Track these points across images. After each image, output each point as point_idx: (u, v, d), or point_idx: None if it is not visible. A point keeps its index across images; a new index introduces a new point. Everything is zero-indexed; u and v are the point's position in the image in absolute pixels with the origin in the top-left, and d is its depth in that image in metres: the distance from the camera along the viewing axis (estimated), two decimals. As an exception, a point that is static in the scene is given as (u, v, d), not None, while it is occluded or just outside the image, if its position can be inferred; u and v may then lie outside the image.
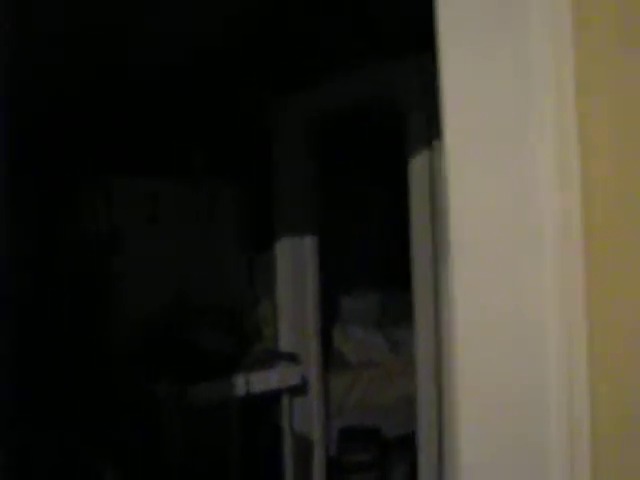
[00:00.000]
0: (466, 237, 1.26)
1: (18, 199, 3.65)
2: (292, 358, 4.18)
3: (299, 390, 4.23)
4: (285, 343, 4.39)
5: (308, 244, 4.32)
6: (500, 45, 1.20)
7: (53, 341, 3.90)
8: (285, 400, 4.14)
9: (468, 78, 1.24)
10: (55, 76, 3.78)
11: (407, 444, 4.46)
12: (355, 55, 3.56)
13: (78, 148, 3.96)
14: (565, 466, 1.16)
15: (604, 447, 1.14)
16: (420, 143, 3.29)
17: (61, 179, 3.95)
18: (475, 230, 1.25)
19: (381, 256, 6.42)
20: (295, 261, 4.35)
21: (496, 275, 1.23)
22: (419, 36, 3.22)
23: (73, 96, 3.90)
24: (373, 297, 6.24)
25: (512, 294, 1.21)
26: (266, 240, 4.39)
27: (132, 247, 3.92)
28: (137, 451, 3.52)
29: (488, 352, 1.22)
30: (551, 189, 1.16)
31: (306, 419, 4.34)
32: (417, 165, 3.34)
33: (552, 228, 1.16)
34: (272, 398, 4.09)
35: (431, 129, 3.23)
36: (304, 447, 4.24)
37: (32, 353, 3.69)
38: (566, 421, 1.16)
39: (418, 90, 3.28)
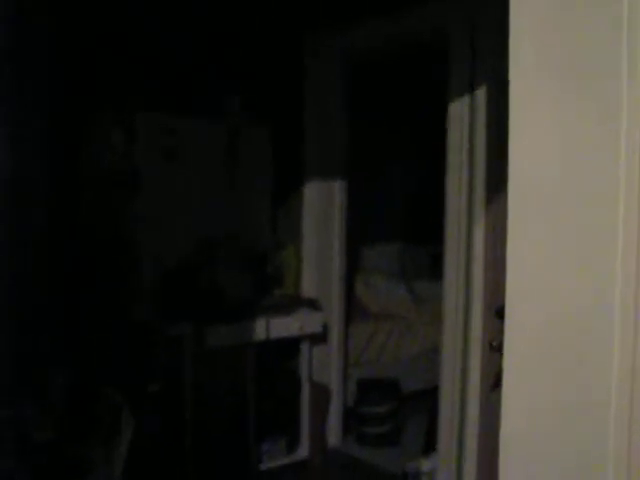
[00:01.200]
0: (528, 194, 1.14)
1: (36, 134, 3.57)
2: (313, 305, 4.09)
3: (319, 338, 4.16)
4: (307, 289, 4.30)
5: (336, 189, 4.21)
6: None
7: (73, 283, 3.83)
8: (304, 347, 4.07)
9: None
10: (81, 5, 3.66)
11: (426, 397, 4.41)
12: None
13: (100, 82, 3.83)
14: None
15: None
16: (462, 88, 3.15)
17: (79, 113, 3.83)
18: (537, 181, 1.13)
19: (406, 208, 6.33)
20: (322, 206, 4.25)
21: (562, 232, 1.10)
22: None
23: (98, 26, 3.77)
24: (396, 248, 6.16)
25: (577, 253, 1.08)
26: (293, 184, 4.28)
27: (153, 186, 3.80)
28: (154, 393, 3.46)
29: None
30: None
31: (325, 368, 4.28)
32: (456, 111, 3.20)
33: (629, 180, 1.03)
34: (291, 344, 4.02)
35: (474, 73, 3.08)
36: (322, 396, 4.18)
37: (52, 293, 3.63)
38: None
39: (465, 31, 3.12)
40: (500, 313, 2.77)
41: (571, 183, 1.07)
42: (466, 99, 3.14)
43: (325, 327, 4.14)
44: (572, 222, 1.08)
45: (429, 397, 4.24)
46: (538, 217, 1.13)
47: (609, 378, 1.04)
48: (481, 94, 3.05)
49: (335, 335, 4.28)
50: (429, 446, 3.69)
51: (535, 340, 1.16)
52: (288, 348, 4.04)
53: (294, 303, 4.07)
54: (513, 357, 1.21)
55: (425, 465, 3.53)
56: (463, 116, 3.16)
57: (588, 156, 1.05)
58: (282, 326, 3.84)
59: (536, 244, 1.14)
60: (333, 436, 4.35)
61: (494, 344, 2.72)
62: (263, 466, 3.89)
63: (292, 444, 4.06)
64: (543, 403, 1.15)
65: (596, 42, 1.04)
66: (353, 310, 4.89)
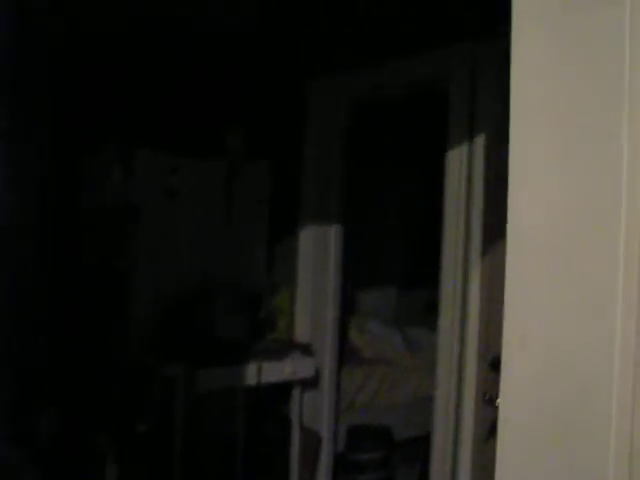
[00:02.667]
0: (525, 238, 1.13)
1: (33, 167, 3.56)
2: (306, 349, 4.05)
3: (311, 383, 4.11)
4: (300, 333, 4.26)
5: (333, 234, 4.19)
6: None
7: (64, 319, 3.80)
8: (296, 392, 4.02)
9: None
10: (85, 41, 3.68)
11: (417, 446, 4.35)
12: (401, 39, 3.43)
13: (101, 117, 3.84)
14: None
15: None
16: (460, 136, 3.15)
17: (79, 147, 3.83)
18: (536, 231, 1.12)
19: (400, 253, 6.32)
20: (317, 250, 4.22)
21: (560, 284, 1.08)
22: (471, 21, 3.12)
23: (101, 62, 3.79)
24: (390, 293, 6.13)
25: (576, 306, 1.06)
26: (289, 226, 4.26)
27: (151, 224, 3.79)
28: (143, 434, 3.41)
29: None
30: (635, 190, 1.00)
31: (316, 413, 4.22)
32: (455, 158, 3.20)
33: (630, 236, 1.01)
34: (283, 389, 3.97)
35: (474, 121, 3.09)
36: (312, 442, 4.12)
37: (43, 332, 3.59)
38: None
39: (464, 80, 3.13)
40: (494, 364, 2.75)
41: (571, 234, 1.06)
42: (464, 146, 3.15)
43: (317, 372, 4.09)
44: (571, 274, 1.06)
45: (421, 445, 4.19)
46: (536, 267, 1.11)
47: (607, 436, 1.02)
48: (480, 142, 3.05)
49: (327, 380, 4.23)
50: (420, 497, 3.64)
51: (531, 394, 1.14)
52: (279, 392, 3.99)
53: (286, 347, 4.03)
54: (508, 410, 1.19)
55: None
56: (461, 163, 3.16)
57: (589, 208, 1.04)
58: (274, 371, 3.80)
59: (534, 295, 1.12)
60: (323, 483, 4.28)
61: (487, 397, 2.69)
62: (251, 513, 3.82)
63: (281, 491, 4.00)
64: (540, 460, 1.12)
65: (598, 92, 1.03)
66: (346, 355, 4.84)
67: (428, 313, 5.59)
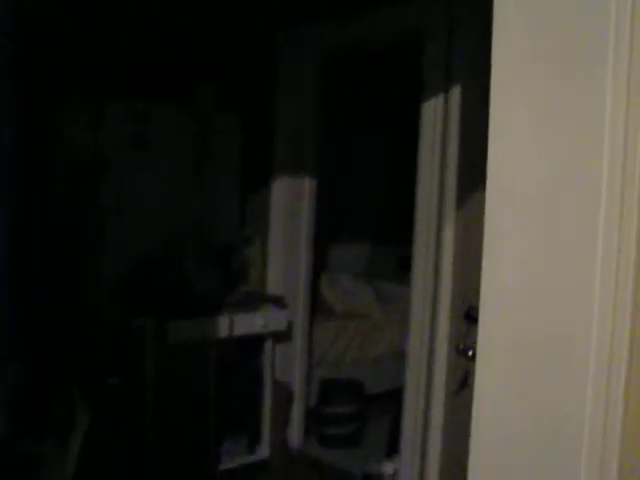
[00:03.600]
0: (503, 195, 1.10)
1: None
2: (278, 302, 4.03)
3: (283, 336, 4.09)
4: (272, 286, 4.24)
5: (306, 187, 4.16)
6: None
7: (32, 273, 3.74)
8: (268, 345, 4.00)
9: None
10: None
11: (389, 399, 4.38)
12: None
13: (70, 68, 3.74)
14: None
15: None
16: (436, 88, 3.11)
17: (45, 98, 3.73)
18: (515, 190, 1.08)
19: (375, 208, 6.31)
20: (290, 203, 4.19)
21: (541, 241, 1.06)
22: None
23: (68, 10, 3.68)
24: (362, 248, 6.14)
25: (556, 266, 1.04)
26: (262, 179, 4.21)
27: (120, 174, 3.72)
28: (114, 387, 3.38)
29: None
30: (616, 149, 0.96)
31: (288, 367, 4.22)
32: (430, 110, 3.16)
33: (607, 205, 0.97)
34: (255, 342, 3.95)
35: (449, 72, 3.05)
36: (284, 395, 4.12)
37: (9, 283, 3.53)
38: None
39: (440, 30, 3.08)
40: (468, 316, 2.74)
41: (552, 187, 1.03)
42: (440, 99, 3.11)
43: (289, 325, 4.08)
44: (552, 229, 1.03)
45: (393, 399, 4.21)
46: (516, 223, 1.08)
47: (583, 394, 1.00)
48: (455, 94, 3.01)
49: (299, 334, 4.22)
50: (392, 448, 3.66)
51: (508, 352, 1.12)
52: (251, 345, 3.97)
53: (259, 300, 4.00)
54: (485, 367, 1.17)
55: (387, 467, 3.49)
56: (436, 115, 3.12)
57: (572, 160, 1.01)
58: (246, 323, 3.78)
59: (513, 252, 1.10)
60: (294, 436, 4.29)
61: (461, 347, 2.69)
62: (223, 466, 3.82)
63: (253, 444, 4.00)
64: (515, 414, 1.11)
65: (584, 34, 1.00)
66: (318, 309, 4.84)
67: (400, 268, 5.60)
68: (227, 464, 3.85)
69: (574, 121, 1.00)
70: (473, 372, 2.69)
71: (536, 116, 1.04)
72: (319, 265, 5.08)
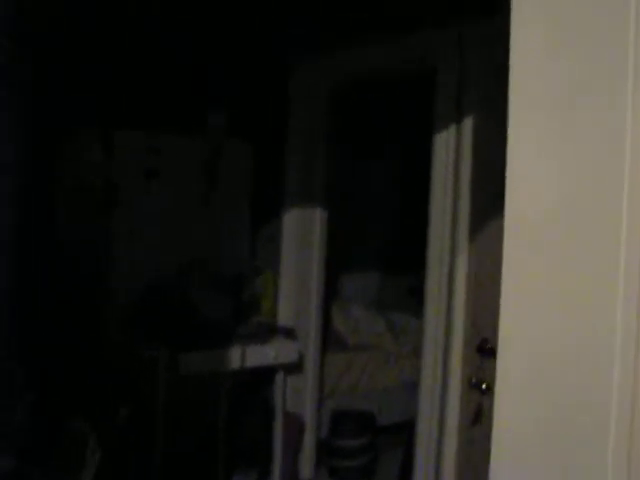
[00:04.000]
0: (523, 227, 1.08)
1: (10, 147, 3.48)
2: (289, 333, 4.01)
3: (294, 367, 4.07)
4: (283, 317, 4.22)
5: (317, 217, 4.15)
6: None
7: (42, 302, 3.74)
8: (279, 377, 3.97)
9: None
10: (67, 19, 3.60)
11: (401, 431, 4.34)
12: (387, 21, 3.38)
13: (83, 96, 3.77)
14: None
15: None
16: (448, 118, 3.11)
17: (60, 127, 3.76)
18: (535, 223, 1.07)
19: (385, 238, 6.30)
20: (302, 233, 4.18)
21: (559, 271, 1.04)
22: (460, 1, 3.07)
23: (84, 40, 3.72)
24: (374, 278, 6.11)
25: (575, 294, 1.02)
26: (273, 209, 4.21)
27: (131, 204, 3.73)
28: (125, 419, 3.36)
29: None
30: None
31: (299, 398, 4.19)
32: (442, 140, 3.16)
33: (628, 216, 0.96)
34: (266, 374, 3.93)
35: (461, 101, 3.05)
36: (295, 427, 4.09)
37: (20, 312, 3.53)
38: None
39: (452, 61, 3.09)
40: (481, 348, 2.71)
41: (571, 225, 1.02)
42: (452, 130, 3.10)
43: (301, 356, 4.06)
44: (571, 260, 1.02)
45: (404, 431, 4.18)
46: (535, 253, 1.07)
47: (607, 425, 0.98)
48: (468, 124, 3.01)
49: (311, 365, 4.20)
50: (404, 482, 3.62)
51: (527, 383, 1.10)
52: (262, 377, 3.95)
53: (270, 331, 3.98)
54: (504, 398, 1.15)
55: (399, 502, 3.45)
56: (449, 145, 3.11)
57: (591, 188, 1.00)
58: (257, 355, 3.75)
59: (531, 287, 1.08)
60: (306, 469, 4.24)
61: (474, 380, 2.66)
62: (233, 498, 3.79)
63: (263, 476, 3.96)
64: (536, 449, 1.09)
65: (602, 68, 0.99)
66: (330, 340, 4.81)
67: (411, 298, 5.58)
68: (238, 497, 3.82)
69: (594, 141, 0.99)
70: (486, 406, 2.67)
71: (555, 137, 1.04)
72: (330, 295, 5.07)
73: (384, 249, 6.30)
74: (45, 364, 3.50)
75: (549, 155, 1.05)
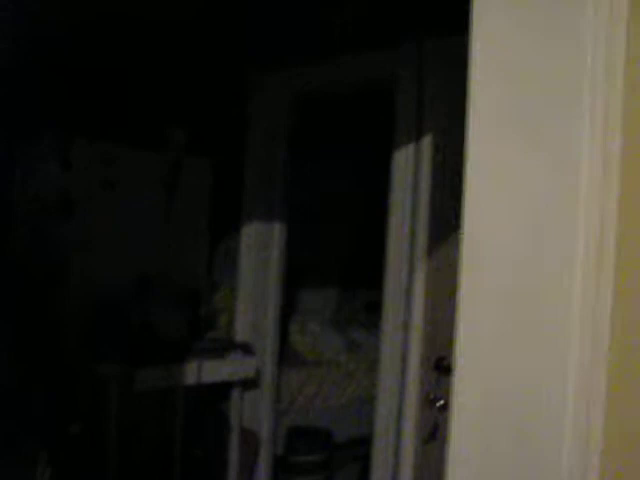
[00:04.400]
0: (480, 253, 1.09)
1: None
2: (246, 349, 3.99)
3: (251, 383, 4.04)
4: (240, 332, 4.19)
5: (275, 232, 4.14)
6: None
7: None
8: (235, 392, 3.95)
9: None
10: (24, 25, 3.56)
11: (357, 447, 4.33)
12: (346, 37, 3.40)
13: (37, 108, 3.72)
14: None
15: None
16: (407, 134, 3.13)
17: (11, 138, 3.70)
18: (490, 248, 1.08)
19: (343, 254, 6.30)
20: (259, 249, 4.16)
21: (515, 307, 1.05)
22: (418, 19, 3.10)
23: (36, 50, 3.67)
24: (331, 293, 6.11)
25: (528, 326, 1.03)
26: (231, 224, 4.19)
27: (87, 216, 3.68)
28: (76, 436, 3.30)
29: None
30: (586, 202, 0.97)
31: (256, 414, 4.16)
32: (401, 158, 3.18)
33: (583, 255, 0.97)
34: (223, 389, 3.90)
35: (420, 121, 3.07)
36: (252, 443, 4.06)
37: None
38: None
39: (410, 78, 3.11)
40: (438, 366, 2.73)
41: (526, 250, 1.03)
42: (411, 147, 3.13)
43: (258, 372, 4.03)
44: (526, 293, 1.03)
45: (361, 447, 4.17)
46: (492, 286, 1.08)
47: (560, 445, 0.99)
48: (427, 140, 3.03)
49: (267, 380, 4.17)
50: (360, 498, 3.61)
51: (483, 403, 1.11)
52: (219, 392, 3.92)
53: (227, 347, 3.96)
54: (460, 419, 1.15)
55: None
56: (408, 163, 3.13)
57: (545, 232, 1.01)
58: (214, 370, 3.72)
59: (485, 314, 1.09)
60: (261, 485, 4.22)
61: (431, 397, 2.67)
62: (188, 516, 3.74)
63: (219, 493, 3.93)
64: (492, 466, 1.09)
65: (556, 97, 1.00)
66: (287, 356, 4.79)
67: (368, 314, 5.59)
68: (192, 515, 3.77)
69: (547, 187, 1.00)
70: (443, 423, 2.68)
71: (510, 180, 1.05)
72: (288, 311, 5.05)
73: (342, 265, 6.30)
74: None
75: (504, 201, 1.06)
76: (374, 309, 4.97)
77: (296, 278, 5.09)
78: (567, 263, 0.97)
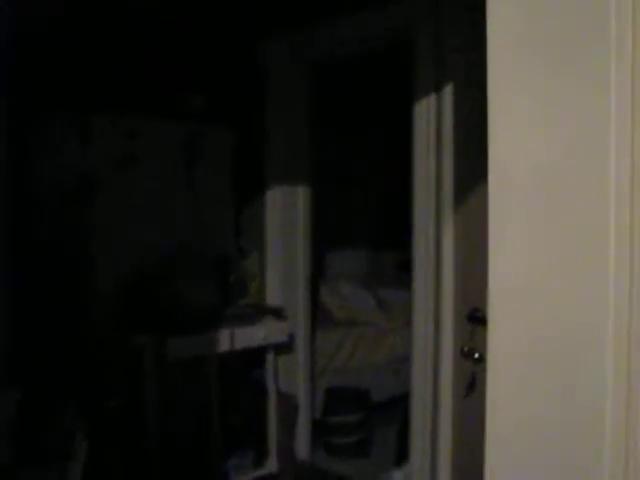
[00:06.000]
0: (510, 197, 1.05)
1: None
2: (278, 313, 3.98)
3: (285, 347, 4.04)
4: (271, 297, 4.19)
5: (300, 194, 4.11)
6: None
7: (27, 295, 3.69)
8: (270, 357, 3.95)
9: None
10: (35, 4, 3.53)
11: (395, 406, 4.33)
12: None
13: (55, 83, 3.70)
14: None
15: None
16: (427, 86, 3.07)
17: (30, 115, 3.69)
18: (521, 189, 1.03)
19: (369, 214, 6.27)
20: (286, 213, 4.14)
21: (547, 232, 1.01)
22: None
23: (60, 22, 3.64)
24: (361, 255, 6.09)
25: (564, 255, 0.99)
26: (256, 190, 4.16)
27: (110, 192, 3.66)
28: (114, 409, 3.32)
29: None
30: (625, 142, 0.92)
31: (292, 378, 4.16)
32: (422, 111, 3.12)
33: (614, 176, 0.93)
34: (257, 354, 3.90)
35: (440, 71, 3.00)
36: (289, 407, 4.07)
37: (2, 306, 3.48)
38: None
39: (430, 28, 3.04)
40: (472, 317, 2.68)
41: (557, 178, 0.98)
42: (432, 99, 3.06)
43: (291, 336, 4.03)
44: (559, 221, 0.99)
45: (398, 406, 4.16)
46: (521, 216, 1.03)
47: (603, 386, 0.95)
48: (448, 93, 2.96)
49: (301, 344, 4.17)
50: (401, 456, 3.60)
51: (521, 349, 1.07)
52: (253, 358, 3.92)
53: (258, 312, 3.95)
54: (497, 366, 1.12)
55: (398, 475, 3.44)
56: (429, 116, 3.07)
57: (577, 148, 0.96)
58: (246, 336, 3.72)
59: (520, 245, 1.05)
60: (301, 448, 4.23)
61: (466, 349, 2.64)
62: (230, 481, 3.76)
63: (260, 458, 3.94)
64: (533, 414, 1.05)
65: (583, 21, 0.95)
66: (319, 318, 4.79)
67: (398, 273, 5.57)
68: (235, 479, 3.79)
69: (581, 102, 0.95)
70: (480, 375, 2.64)
71: (538, 104, 1.00)
72: (318, 274, 5.04)
73: (370, 226, 6.27)
74: (32, 358, 3.46)
75: (534, 117, 1.01)
76: (403, 269, 4.95)
77: (325, 241, 5.07)
78: (602, 181, 0.93)
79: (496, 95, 1.05)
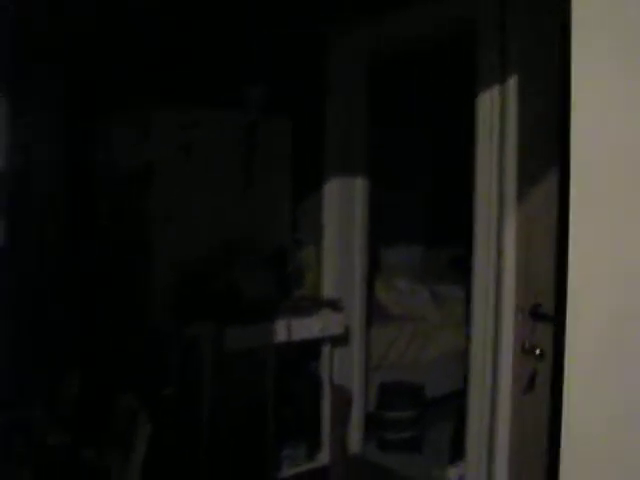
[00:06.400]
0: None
1: (48, 133, 3.48)
2: (334, 305, 3.96)
3: (341, 340, 4.03)
4: (328, 290, 4.18)
5: (358, 188, 4.09)
6: None
7: (88, 284, 3.75)
8: (325, 349, 3.94)
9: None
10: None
11: (450, 402, 4.29)
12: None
13: (114, 78, 3.74)
14: None
15: None
16: (491, 77, 3.01)
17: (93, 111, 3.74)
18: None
19: (424, 210, 6.24)
20: (343, 205, 4.12)
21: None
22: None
23: (113, 21, 3.68)
24: (415, 250, 6.06)
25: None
26: (314, 182, 4.16)
27: (169, 183, 3.69)
28: (170, 396, 3.35)
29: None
30: None
31: (346, 371, 4.15)
32: (486, 103, 3.07)
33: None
34: (312, 346, 3.89)
35: (504, 62, 2.95)
36: (343, 400, 4.05)
37: (67, 296, 3.54)
38: None
39: (494, 17, 2.99)
40: (534, 313, 2.63)
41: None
42: (495, 89, 3.01)
43: (347, 329, 4.01)
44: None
45: (452, 402, 4.12)
46: (604, 205, 1.00)
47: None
48: (512, 84, 2.91)
49: (357, 337, 4.16)
50: (455, 454, 3.56)
51: (603, 340, 1.03)
52: (309, 350, 3.92)
53: (315, 304, 3.95)
54: (577, 359, 1.08)
55: (452, 473, 3.40)
56: (493, 106, 3.02)
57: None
58: (303, 327, 3.72)
59: (602, 234, 1.01)
60: (354, 442, 4.21)
61: (527, 346, 2.59)
62: (283, 472, 3.76)
63: (313, 450, 3.93)
64: (611, 409, 1.02)
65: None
66: (374, 312, 4.76)
67: (452, 270, 5.52)
68: (287, 471, 3.79)
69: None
70: (541, 372, 2.58)
71: (621, 85, 0.97)
72: (373, 268, 5.02)
73: (425, 222, 6.24)
74: (93, 345, 3.51)
75: (616, 104, 0.98)
76: (459, 264, 4.90)
77: (381, 236, 5.05)
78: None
79: (580, 88, 1.02)
